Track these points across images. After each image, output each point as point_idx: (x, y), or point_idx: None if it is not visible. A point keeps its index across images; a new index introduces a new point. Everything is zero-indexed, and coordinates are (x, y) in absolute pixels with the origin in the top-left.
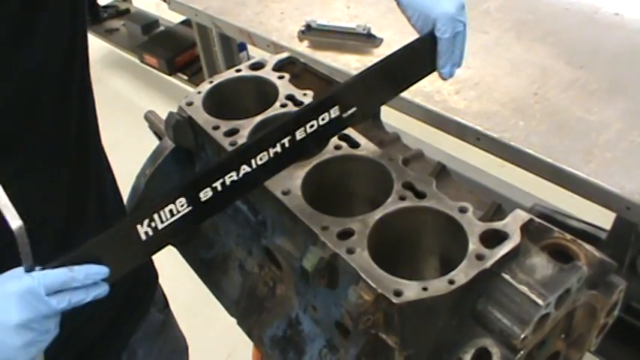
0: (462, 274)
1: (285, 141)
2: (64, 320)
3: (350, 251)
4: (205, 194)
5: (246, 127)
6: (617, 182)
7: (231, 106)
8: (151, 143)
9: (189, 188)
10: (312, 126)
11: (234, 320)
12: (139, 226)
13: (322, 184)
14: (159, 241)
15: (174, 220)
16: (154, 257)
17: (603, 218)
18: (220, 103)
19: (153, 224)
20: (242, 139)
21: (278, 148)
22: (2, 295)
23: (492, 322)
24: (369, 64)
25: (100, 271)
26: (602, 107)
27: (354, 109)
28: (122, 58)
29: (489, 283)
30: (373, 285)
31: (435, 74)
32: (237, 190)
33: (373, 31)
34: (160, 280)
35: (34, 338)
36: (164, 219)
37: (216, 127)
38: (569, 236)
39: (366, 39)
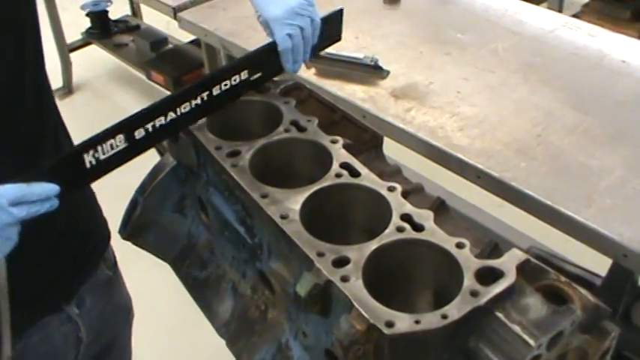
0: (455, 310)
1: (204, 95)
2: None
3: (344, 279)
4: (139, 133)
5: (249, 149)
6: (616, 229)
7: (234, 127)
8: (152, 159)
9: (127, 127)
10: (225, 84)
11: (223, 342)
12: (85, 155)
13: (321, 210)
14: (99, 170)
15: (114, 153)
16: (147, 272)
17: (598, 264)
18: (224, 123)
19: (96, 155)
20: (243, 161)
21: (198, 100)
22: None
23: None
24: (375, 95)
25: (53, 188)
26: (605, 153)
27: (259, 74)
28: (129, 73)
29: (482, 320)
30: (365, 315)
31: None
32: (164, 133)
33: (380, 63)
34: (152, 298)
35: None
36: (105, 151)
37: (218, 148)
38: (564, 279)
39: (372, 70)
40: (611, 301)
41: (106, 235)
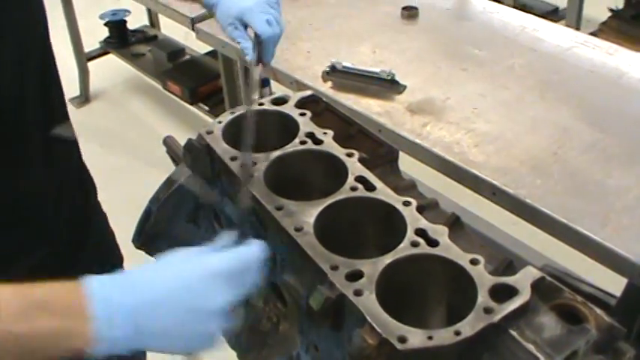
0: (468, 326)
1: None
2: None
3: (357, 293)
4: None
5: (263, 160)
6: (632, 248)
7: None
8: (166, 168)
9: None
10: None
11: (233, 353)
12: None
13: (335, 223)
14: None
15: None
16: None
17: (613, 283)
18: (240, 134)
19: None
20: (258, 172)
21: None
22: (206, 273)
23: None
24: (391, 109)
25: (260, 244)
26: (622, 172)
27: None
28: (145, 83)
29: (496, 338)
30: (378, 329)
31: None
32: None
33: (397, 78)
34: None
35: (225, 322)
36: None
37: (233, 158)
38: (579, 298)
39: (389, 85)
40: (625, 322)
41: (120, 260)
